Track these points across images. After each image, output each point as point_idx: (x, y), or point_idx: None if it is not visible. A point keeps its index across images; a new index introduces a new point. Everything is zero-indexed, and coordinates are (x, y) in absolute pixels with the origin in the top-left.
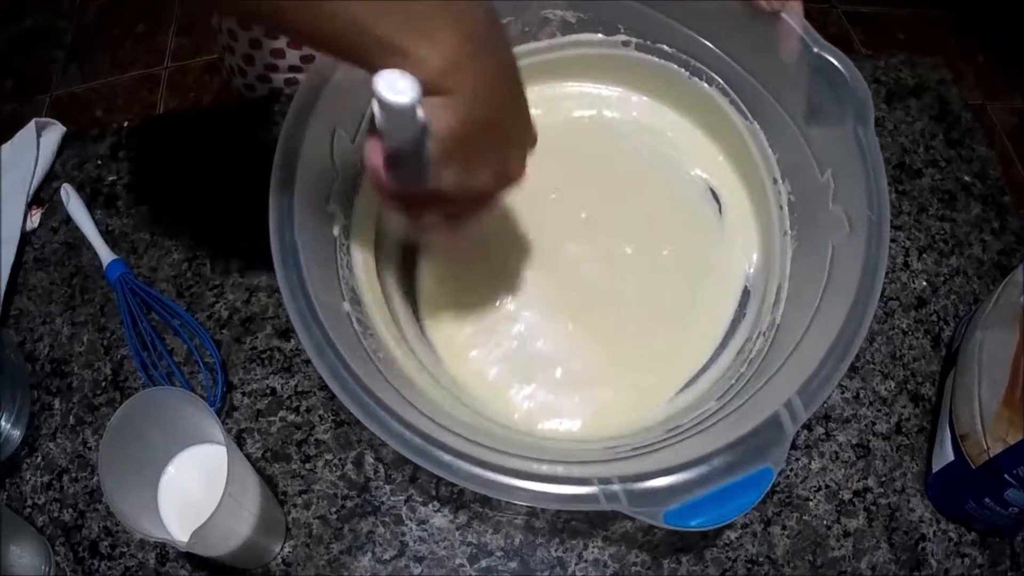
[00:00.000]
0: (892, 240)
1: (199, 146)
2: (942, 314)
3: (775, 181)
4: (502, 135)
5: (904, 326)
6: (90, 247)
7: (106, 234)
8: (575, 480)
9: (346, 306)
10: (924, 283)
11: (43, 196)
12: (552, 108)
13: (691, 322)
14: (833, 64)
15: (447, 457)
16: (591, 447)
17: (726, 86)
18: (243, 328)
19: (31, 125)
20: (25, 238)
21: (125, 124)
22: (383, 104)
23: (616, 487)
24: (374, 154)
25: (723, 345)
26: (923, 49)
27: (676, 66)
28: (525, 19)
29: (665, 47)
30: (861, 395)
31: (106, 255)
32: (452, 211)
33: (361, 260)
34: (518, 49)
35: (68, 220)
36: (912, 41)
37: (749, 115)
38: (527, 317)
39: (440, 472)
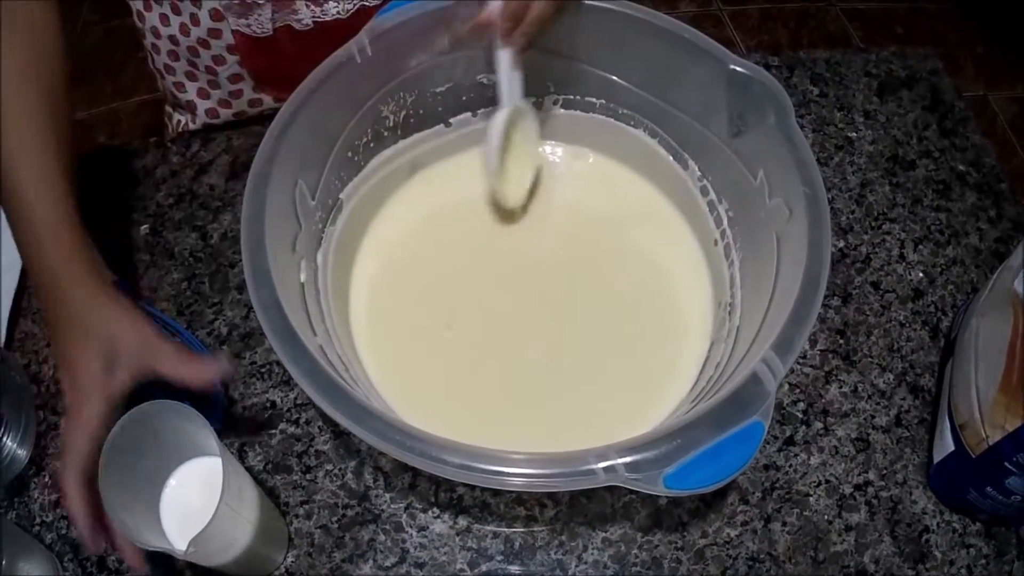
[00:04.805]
0: (886, 233)
1: (193, 167)
2: (940, 305)
3: (712, 205)
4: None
5: (901, 318)
6: None
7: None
8: (571, 459)
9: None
10: (921, 274)
11: None
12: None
13: (649, 371)
14: (747, 75)
15: (442, 453)
16: None
17: (654, 126)
18: (243, 343)
19: None
20: None
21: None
22: None
23: (613, 460)
24: None
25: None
26: (922, 42)
27: (603, 116)
28: (462, 87)
29: (592, 99)
30: (859, 389)
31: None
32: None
33: (332, 305)
34: (457, 119)
35: None
36: (911, 34)
37: (679, 148)
38: (475, 370)
39: (432, 467)
